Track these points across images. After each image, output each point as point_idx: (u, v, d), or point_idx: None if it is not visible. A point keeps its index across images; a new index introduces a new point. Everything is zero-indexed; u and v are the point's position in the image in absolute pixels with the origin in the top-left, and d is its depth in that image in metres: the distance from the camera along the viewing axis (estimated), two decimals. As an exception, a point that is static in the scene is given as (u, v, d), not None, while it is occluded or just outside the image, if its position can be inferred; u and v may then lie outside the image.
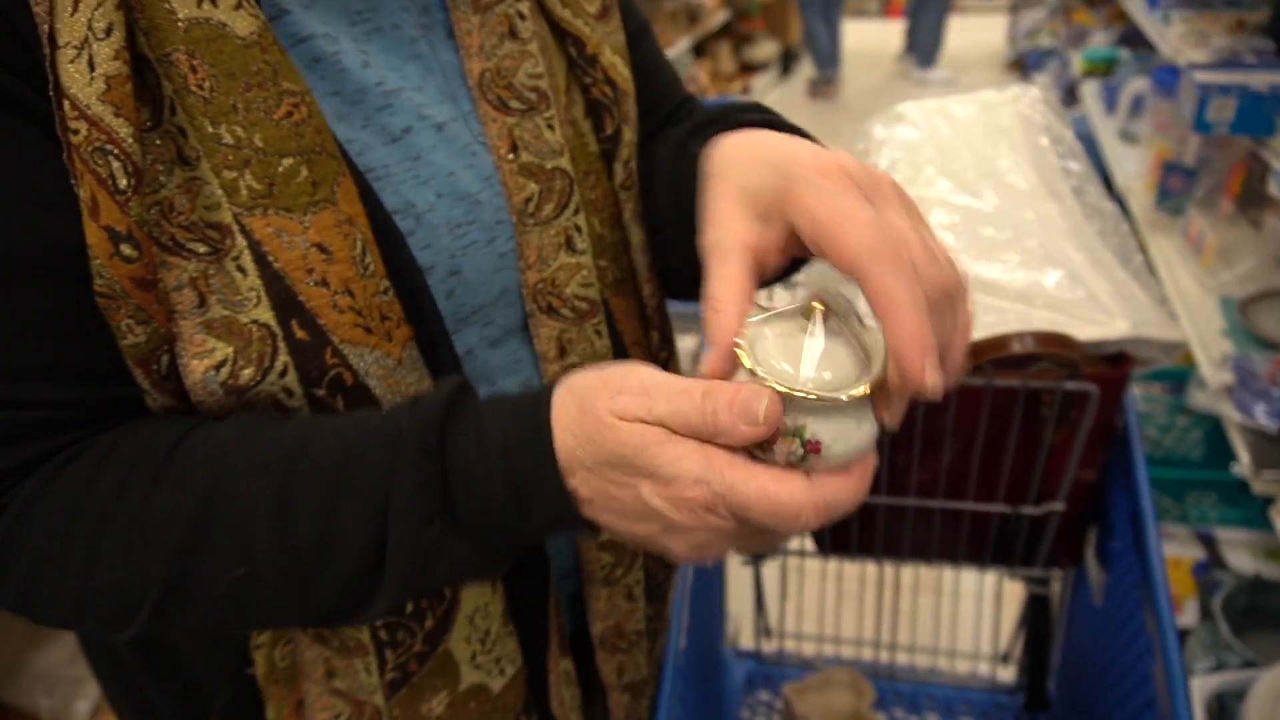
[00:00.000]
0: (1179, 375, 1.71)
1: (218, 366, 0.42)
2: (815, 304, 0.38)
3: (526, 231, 0.51)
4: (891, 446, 0.93)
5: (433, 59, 0.50)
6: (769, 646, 1.25)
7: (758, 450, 0.37)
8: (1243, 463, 1.28)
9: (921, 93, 5.25)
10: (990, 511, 0.94)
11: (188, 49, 0.39)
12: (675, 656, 0.78)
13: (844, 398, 0.36)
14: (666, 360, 0.64)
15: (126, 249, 0.39)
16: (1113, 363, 0.88)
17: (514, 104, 0.51)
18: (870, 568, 1.22)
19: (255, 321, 0.42)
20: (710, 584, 1.18)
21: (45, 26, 0.36)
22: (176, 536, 0.41)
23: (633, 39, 0.59)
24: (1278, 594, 1.31)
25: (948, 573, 1.11)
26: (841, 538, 1.03)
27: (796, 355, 0.37)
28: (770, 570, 1.24)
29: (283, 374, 0.42)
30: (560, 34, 0.53)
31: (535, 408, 0.41)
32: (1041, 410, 0.87)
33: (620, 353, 0.57)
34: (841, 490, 0.37)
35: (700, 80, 4.43)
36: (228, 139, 0.40)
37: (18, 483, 0.42)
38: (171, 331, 0.42)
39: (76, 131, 0.37)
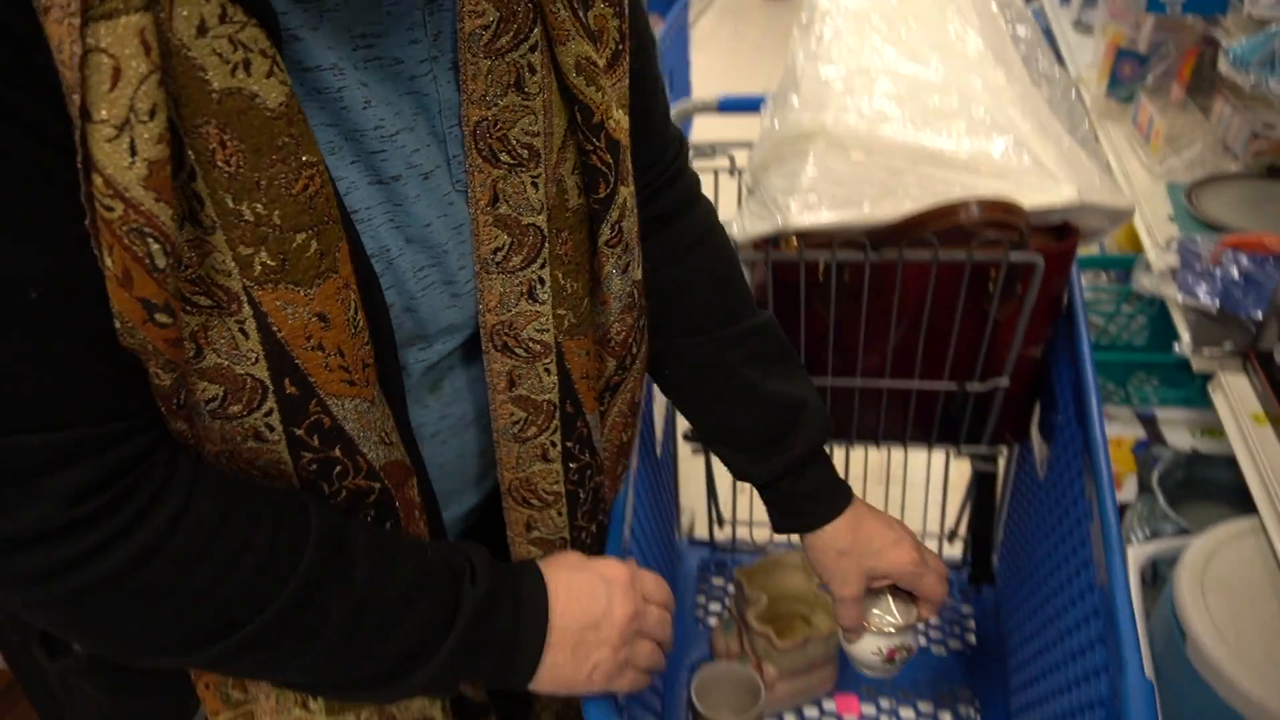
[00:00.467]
0: (1125, 263, 1.73)
1: (208, 400, 0.44)
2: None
3: (490, 277, 0.53)
4: (837, 329, 0.92)
5: (433, 95, 0.49)
6: (722, 535, 1.27)
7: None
8: (1184, 342, 1.30)
9: None
10: (937, 389, 0.94)
11: (219, 122, 0.38)
12: (618, 549, 0.78)
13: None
14: (618, 384, 0.67)
15: (161, 317, 0.39)
16: (1058, 235, 0.88)
17: (504, 157, 0.50)
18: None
19: (250, 375, 0.44)
20: (662, 477, 1.19)
21: (76, 97, 0.34)
22: (280, 623, 0.46)
23: (635, 76, 0.57)
24: (1213, 467, 1.35)
25: (898, 460, 1.12)
26: (791, 423, 1.03)
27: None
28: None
29: (268, 414, 0.45)
30: (569, 95, 0.52)
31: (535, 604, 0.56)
32: (988, 286, 0.87)
33: (566, 386, 0.60)
34: None
35: (651, -22, 4.26)
36: (248, 216, 0.40)
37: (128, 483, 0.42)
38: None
39: (111, 209, 0.36)
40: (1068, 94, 0.82)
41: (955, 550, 1.21)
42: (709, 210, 0.71)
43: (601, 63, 0.52)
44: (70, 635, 0.48)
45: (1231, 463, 1.26)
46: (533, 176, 0.51)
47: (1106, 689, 0.68)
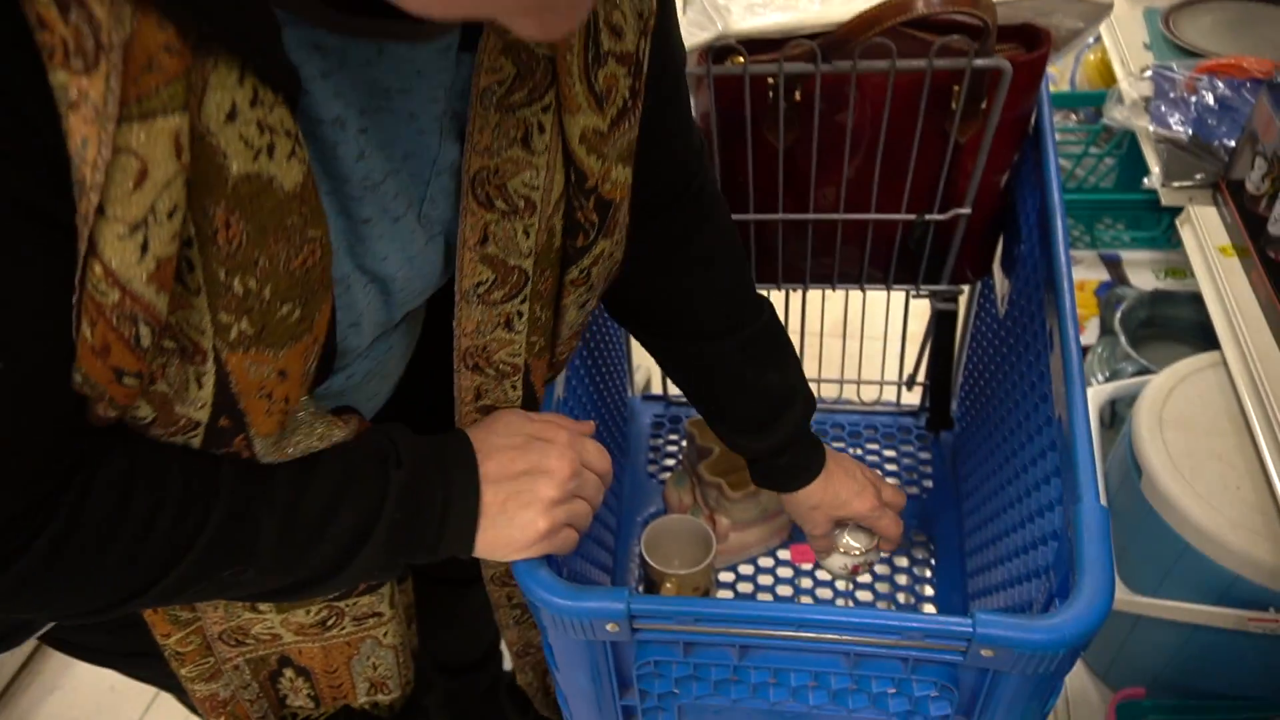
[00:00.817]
0: (1096, 99, 1.64)
1: (136, 414, 0.42)
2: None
3: (470, 307, 0.54)
4: (788, 159, 0.84)
5: (434, 147, 0.47)
6: (676, 390, 1.23)
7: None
8: (1154, 174, 1.24)
9: None
10: (895, 221, 0.88)
11: (230, 205, 0.36)
12: (551, 403, 0.72)
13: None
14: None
15: (130, 380, 0.38)
16: (1028, 47, 0.79)
17: (499, 204, 0.50)
18: (779, 306, 1.18)
19: (188, 416, 0.43)
20: (613, 334, 1.13)
21: (94, 196, 0.31)
22: (184, 560, 0.45)
23: (659, 106, 0.57)
24: (1175, 305, 1.32)
25: (855, 313, 1.07)
26: (740, 266, 0.96)
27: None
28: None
29: (190, 438, 0.44)
30: (569, 159, 0.51)
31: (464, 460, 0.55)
32: (950, 104, 0.79)
33: (529, 397, 0.62)
34: None
35: None
36: (238, 290, 0.38)
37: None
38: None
39: (106, 295, 0.34)
40: None
41: (914, 397, 1.18)
42: (725, 221, 0.72)
43: (605, 126, 0.51)
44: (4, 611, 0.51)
45: (1195, 299, 1.22)
46: (525, 225, 0.51)
47: (1060, 521, 0.65)
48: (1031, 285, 0.82)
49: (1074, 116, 1.81)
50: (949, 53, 0.72)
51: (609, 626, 0.54)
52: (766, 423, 0.75)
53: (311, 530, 0.48)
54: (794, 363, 0.77)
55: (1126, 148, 1.64)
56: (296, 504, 0.48)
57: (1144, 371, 1.20)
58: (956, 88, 0.77)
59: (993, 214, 0.91)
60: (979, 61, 0.72)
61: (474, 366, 0.58)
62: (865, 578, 1.00)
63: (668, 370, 0.81)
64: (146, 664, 0.67)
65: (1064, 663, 0.52)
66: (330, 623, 0.66)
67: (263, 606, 0.63)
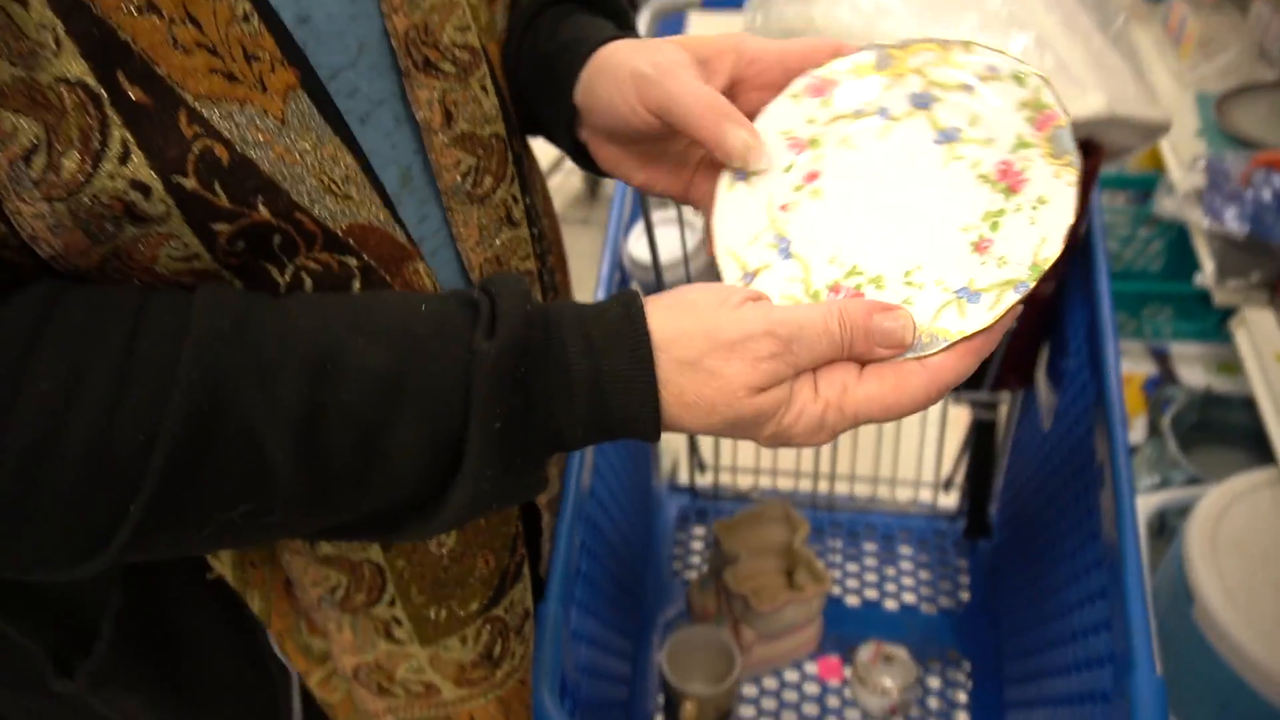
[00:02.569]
0: (1145, 183, 1.60)
1: (26, 156, 0.29)
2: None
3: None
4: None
5: None
6: (704, 481, 1.19)
7: None
8: (1206, 271, 1.20)
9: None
10: (934, 332, 0.84)
11: None
12: (575, 495, 0.69)
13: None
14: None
15: None
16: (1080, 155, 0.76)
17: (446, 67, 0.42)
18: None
19: (64, 80, 0.29)
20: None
21: None
22: (157, 470, 0.31)
23: None
24: (1228, 408, 1.26)
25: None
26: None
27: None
28: (702, 403, 1.16)
29: (123, 158, 0.30)
30: None
31: (633, 337, 0.37)
32: (996, 215, 0.76)
33: (505, 112, 0.48)
34: (954, 371, 0.38)
35: None
36: None
37: None
38: None
39: None
40: (1100, -16, 0.69)
41: (950, 500, 1.13)
42: None
43: None
44: None
45: (1249, 404, 1.16)
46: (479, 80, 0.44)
47: (1110, 682, 0.60)
48: (1079, 407, 0.78)
49: (1121, 197, 1.76)
50: (997, 171, 0.69)
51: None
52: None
53: (355, 449, 0.34)
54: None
55: (1176, 231, 1.59)
56: (318, 413, 0.33)
57: (1195, 481, 1.14)
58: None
59: (1038, 323, 0.87)
60: (1028, 181, 0.68)
61: (425, 64, 0.42)
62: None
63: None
64: None
65: None
66: (498, 654, 0.53)
67: (400, 633, 0.49)
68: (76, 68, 0.29)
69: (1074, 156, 0.39)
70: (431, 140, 0.44)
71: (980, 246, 0.40)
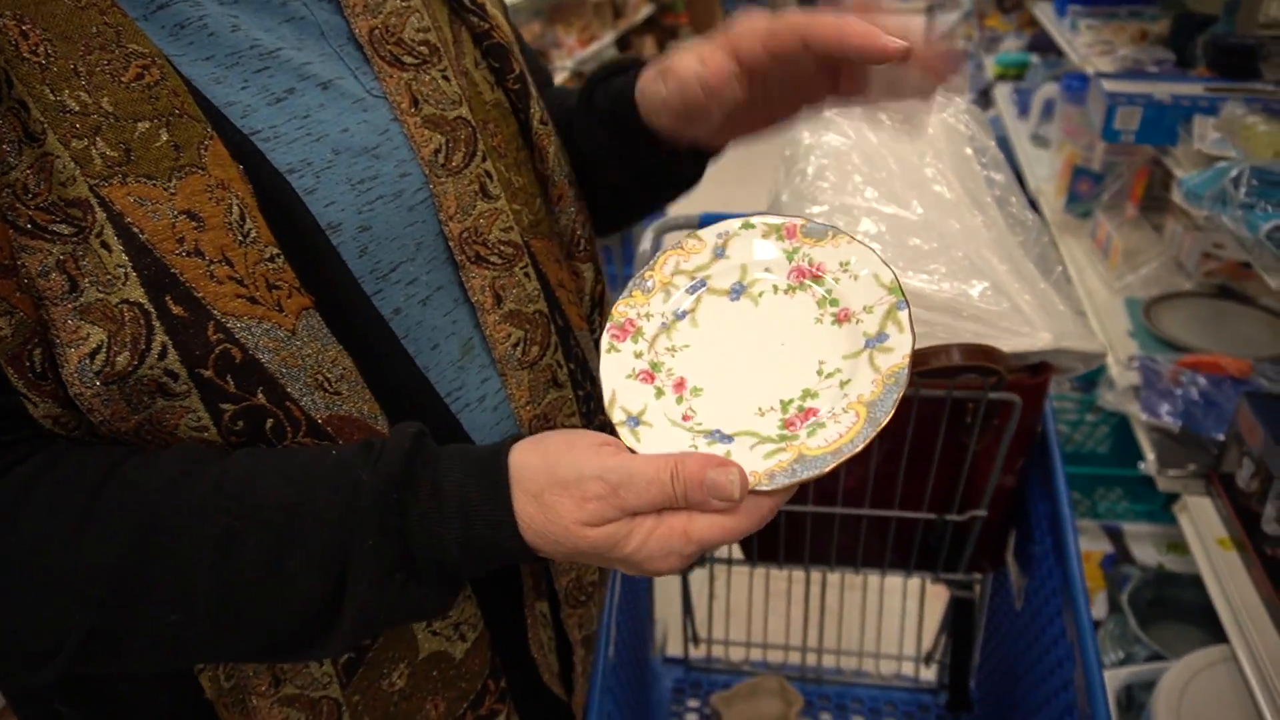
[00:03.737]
0: (1089, 375, 1.77)
1: (91, 354, 0.39)
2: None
3: (441, 182, 0.52)
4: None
5: (310, 18, 0.49)
6: (697, 653, 1.24)
7: None
8: (1148, 460, 1.33)
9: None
10: (916, 519, 0.94)
11: (14, 13, 0.37)
12: (604, 667, 0.75)
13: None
14: (601, 294, 0.66)
15: None
16: (1033, 371, 0.90)
17: (407, 59, 0.51)
18: (797, 570, 1.22)
19: (126, 301, 0.39)
20: (638, 591, 1.17)
21: None
22: (103, 583, 0.39)
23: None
24: (1180, 587, 1.36)
25: (872, 583, 1.11)
26: (769, 546, 1.02)
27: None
28: (697, 575, 1.23)
29: (161, 355, 0.40)
30: None
31: (493, 467, 0.43)
32: (966, 419, 0.88)
33: (549, 294, 0.59)
34: (776, 505, 0.43)
35: (625, 74, 4.39)
36: (73, 105, 0.38)
37: None
38: (42, 320, 0.39)
39: None
40: (1040, 237, 0.85)
41: (931, 673, 1.20)
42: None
43: None
44: None
45: (1199, 583, 1.27)
46: (441, 71, 0.52)
47: None
48: (1048, 587, 0.88)
49: (1067, 385, 1.93)
50: (966, 386, 0.81)
51: None
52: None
53: (263, 567, 0.40)
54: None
55: (1120, 418, 1.75)
56: (232, 539, 0.40)
57: (1156, 656, 1.23)
58: (972, 405, 0.86)
59: (1005, 511, 0.98)
60: (993, 395, 0.81)
61: (477, 258, 0.54)
62: None
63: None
64: None
65: None
66: None
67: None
68: (137, 293, 0.40)
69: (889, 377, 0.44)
70: (485, 318, 0.55)
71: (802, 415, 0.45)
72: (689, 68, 0.51)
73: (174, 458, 0.42)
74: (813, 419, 0.45)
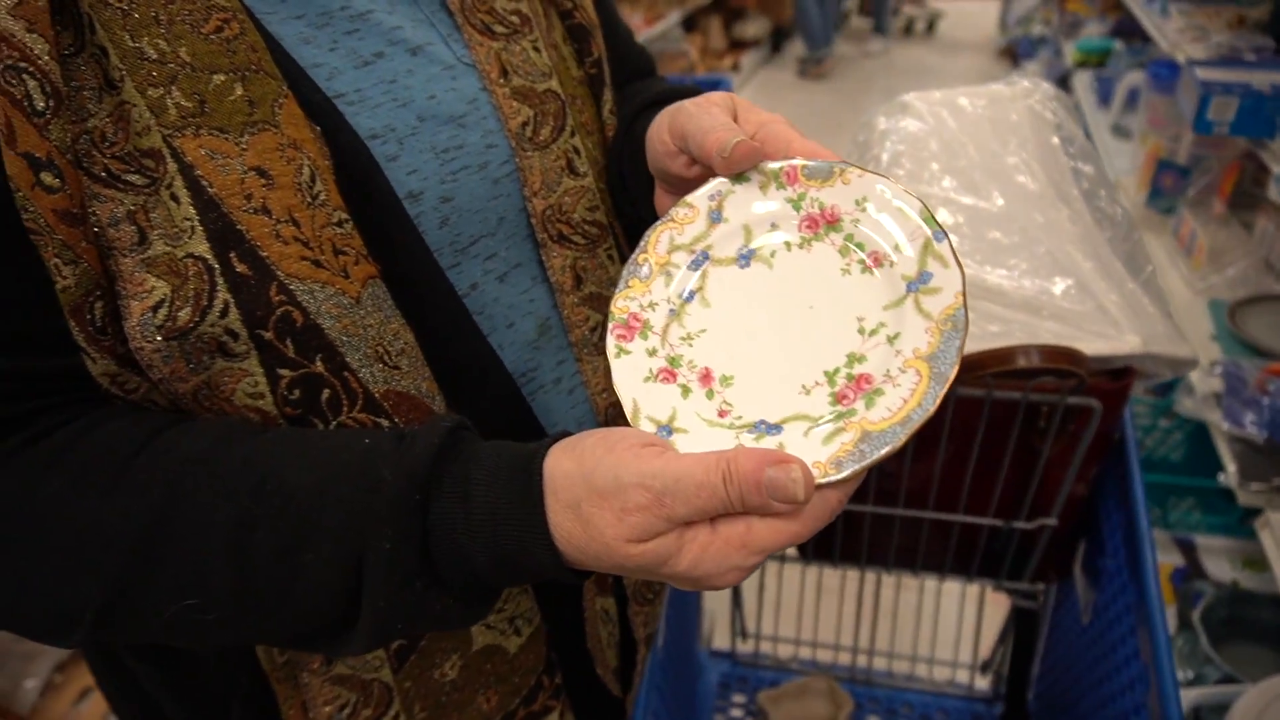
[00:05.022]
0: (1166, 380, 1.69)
1: (155, 308, 0.38)
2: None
3: (527, 156, 0.50)
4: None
5: None
6: (744, 647, 1.22)
7: None
8: (1229, 473, 1.26)
9: (914, 80, 5.19)
10: (981, 524, 0.91)
11: None
12: (654, 663, 0.74)
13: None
14: None
15: (47, 177, 0.36)
16: (1115, 375, 0.85)
17: (498, 28, 0.50)
18: (854, 582, 1.19)
19: (191, 255, 0.38)
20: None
21: None
22: (121, 557, 0.38)
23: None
24: (1256, 605, 1.29)
25: (929, 586, 1.08)
26: (825, 545, 0.99)
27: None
28: (748, 570, 1.21)
29: (223, 314, 0.39)
30: None
31: (525, 473, 0.38)
32: (1039, 423, 0.84)
33: None
34: (845, 496, 0.38)
35: (690, 55, 4.35)
36: (151, 53, 0.38)
37: None
38: (106, 272, 0.39)
39: None
40: (1130, 234, 0.80)
41: (985, 682, 1.16)
42: None
43: None
44: None
45: (1278, 603, 1.20)
46: (532, 42, 0.51)
47: None
48: (1120, 605, 0.83)
49: (1141, 389, 1.85)
50: (1042, 389, 0.77)
51: None
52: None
53: (278, 557, 0.38)
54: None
55: (1195, 424, 1.67)
56: (249, 524, 0.38)
57: (1229, 678, 1.17)
58: (1047, 409, 0.82)
59: (1075, 520, 0.94)
60: (1071, 399, 0.77)
61: (559, 237, 0.51)
62: None
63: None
64: None
65: None
66: None
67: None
68: (202, 248, 0.39)
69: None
70: (563, 299, 0.53)
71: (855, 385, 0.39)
72: (721, 120, 0.45)
73: (210, 429, 0.40)
74: (867, 387, 0.38)
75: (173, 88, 0.38)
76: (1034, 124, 0.83)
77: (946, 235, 0.40)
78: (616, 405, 0.55)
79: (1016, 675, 1.06)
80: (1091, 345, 0.72)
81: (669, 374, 0.42)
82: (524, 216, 0.51)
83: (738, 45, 5.23)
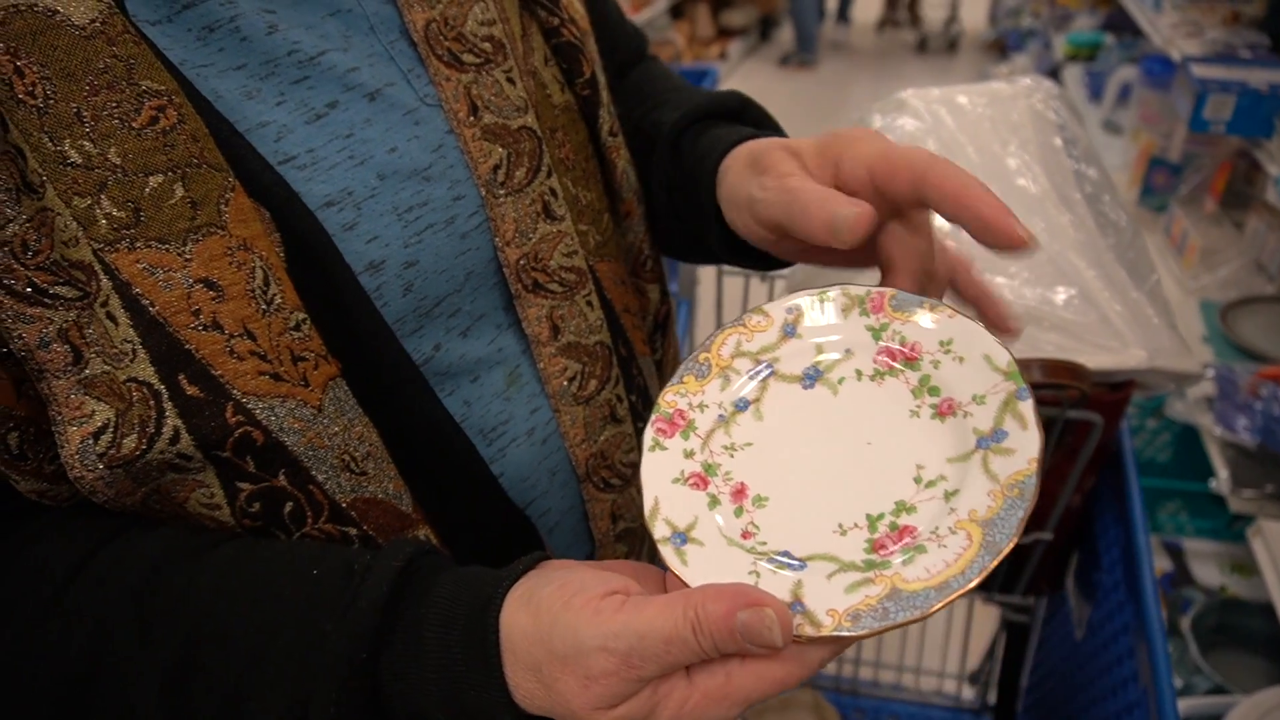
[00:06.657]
0: (1154, 379, 1.67)
1: (95, 435, 0.34)
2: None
3: (499, 204, 0.46)
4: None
5: (359, 11, 0.42)
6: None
7: None
8: (1221, 479, 1.24)
9: (899, 69, 5.16)
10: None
11: (7, 46, 0.32)
12: None
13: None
14: (666, 315, 0.60)
15: None
16: (1114, 387, 0.82)
17: (468, 58, 0.45)
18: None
19: (134, 380, 0.35)
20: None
21: None
22: (48, 707, 0.36)
23: None
24: (1246, 614, 1.28)
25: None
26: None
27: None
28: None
29: (174, 440, 0.35)
30: None
31: (481, 625, 0.35)
32: (1035, 434, 0.81)
33: (613, 322, 0.52)
34: (839, 650, 0.35)
35: (677, 44, 4.29)
36: (75, 158, 0.33)
37: None
38: (28, 400, 0.35)
39: None
40: (1134, 241, 0.77)
41: (972, 693, 1.13)
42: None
43: None
44: None
45: (1268, 611, 1.19)
46: (505, 73, 0.46)
47: None
48: (1116, 623, 0.81)
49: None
50: (1041, 401, 0.74)
51: None
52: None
53: (218, 711, 0.36)
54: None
55: (1183, 426, 1.65)
56: (188, 673, 0.36)
57: (1219, 689, 1.15)
58: (1046, 423, 0.79)
59: (1070, 533, 0.91)
60: (1072, 413, 0.74)
61: (534, 286, 0.48)
62: None
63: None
64: None
65: None
66: None
67: None
68: (146, 372, 0.35)
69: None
70: (539, 351, 0.49)
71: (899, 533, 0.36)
72: (812, 194, 0.40)
73: (149, 548, 0.37)
74: (910, 540, 0.35)
75: (102, 196, 0.34)
76: (1036, 124, 0.80)
77: (1031, 394, 0.37)
78: (596, 457, 0.52)
79: (1006, 688, 1.04)
80: (1095, 358, 0.69)
81: (701, 480, 0.40)
82: (493, 267, 0.47)
83: (725, 33, 5.17)
